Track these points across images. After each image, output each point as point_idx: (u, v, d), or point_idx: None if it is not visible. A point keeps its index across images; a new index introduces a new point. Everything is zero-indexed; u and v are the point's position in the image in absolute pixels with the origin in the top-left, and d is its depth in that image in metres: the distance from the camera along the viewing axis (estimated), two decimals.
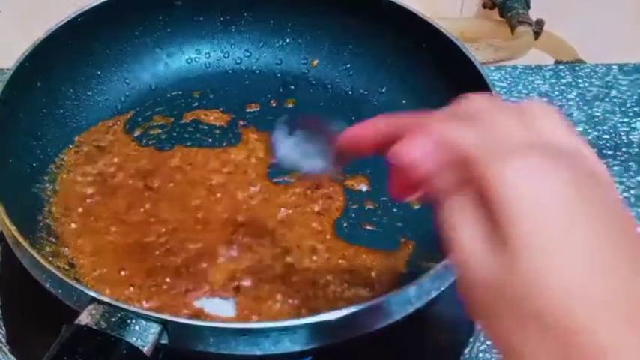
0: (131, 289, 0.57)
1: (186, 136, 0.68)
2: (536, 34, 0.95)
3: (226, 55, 0.73)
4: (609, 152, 0.75)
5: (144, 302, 0.56)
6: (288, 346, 0.48)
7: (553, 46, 1.00)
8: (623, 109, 0.79)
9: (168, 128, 0.68)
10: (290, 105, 0.71)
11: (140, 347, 0.46)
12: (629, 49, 0.93)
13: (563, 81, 0.82)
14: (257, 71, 0.73)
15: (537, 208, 0.33)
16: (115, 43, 0.69)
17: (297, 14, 0.73)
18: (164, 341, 0.48)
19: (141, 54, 0.71)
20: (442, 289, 0.52)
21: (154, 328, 0.47)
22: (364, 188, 0.65)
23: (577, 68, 0.83)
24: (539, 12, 0.96)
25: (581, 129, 0.77)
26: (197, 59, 0.73)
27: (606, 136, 0.77)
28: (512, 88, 0.81)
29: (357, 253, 0.60)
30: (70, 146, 0.66)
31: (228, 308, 0.56)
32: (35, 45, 0.62)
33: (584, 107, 0.79)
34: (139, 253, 0.59)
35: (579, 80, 0.82)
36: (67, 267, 0.58)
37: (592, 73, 0.82)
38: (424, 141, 0.37)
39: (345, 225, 0.62)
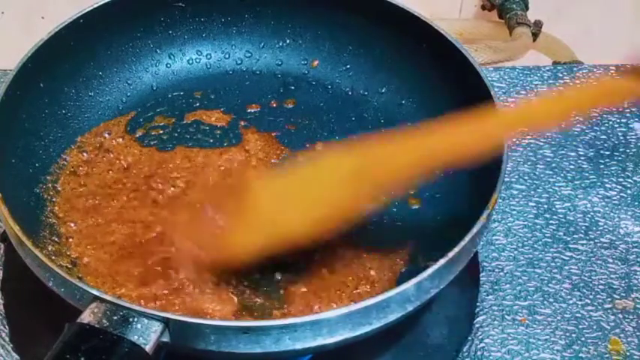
0: (133, 287, 0.57)
1: (188, 136, 0.68)
2: (535, 36, 0.95)
3: (227, 56, 0.74)
4: (607, 152, 0.75)
5: (145, 301, 0.56)
6: (289, 344, 0.49)
7: (551, 48, 1.00)
8: (620, 109, 0.79)
9: (170, 129, 0.69)
10: (290, 105, 0.71)
11: (142, 346, 0.47)
12: (626, 51, 0.93)
13: (561, 82, 0.82)
14: (257, 72, 0.74)
15: None
16: (117, 44, 0.70)
17: (298, 15, 0.73)
18: (166, 339, 0.48)
19: (142, 55, 0.71)
20: (441, 287, 0.53)
21: (156, 327, 0.47)
22: None
23: (575, 69, 0.83)
24: (538, 13, 0.96)
25: (578, 129, 0.77)
26: (198, 60, 0.73)
27: (604, 137, 0.77)
28: (511, 89, 0.81)
29: (357, 252, 0.61)
30: (72, 146, 0.66)
31: (230, 307, 0.57)
32: (38, 46, 0.62)
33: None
34: (140, 252, 0.59)
35: (577, 81, 0.82)
36: (69, 266, 0.58)
37: (590, 74, 0.83)
38: None
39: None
